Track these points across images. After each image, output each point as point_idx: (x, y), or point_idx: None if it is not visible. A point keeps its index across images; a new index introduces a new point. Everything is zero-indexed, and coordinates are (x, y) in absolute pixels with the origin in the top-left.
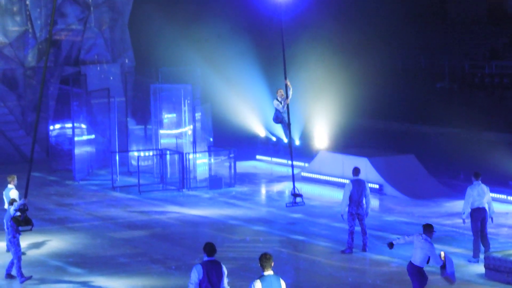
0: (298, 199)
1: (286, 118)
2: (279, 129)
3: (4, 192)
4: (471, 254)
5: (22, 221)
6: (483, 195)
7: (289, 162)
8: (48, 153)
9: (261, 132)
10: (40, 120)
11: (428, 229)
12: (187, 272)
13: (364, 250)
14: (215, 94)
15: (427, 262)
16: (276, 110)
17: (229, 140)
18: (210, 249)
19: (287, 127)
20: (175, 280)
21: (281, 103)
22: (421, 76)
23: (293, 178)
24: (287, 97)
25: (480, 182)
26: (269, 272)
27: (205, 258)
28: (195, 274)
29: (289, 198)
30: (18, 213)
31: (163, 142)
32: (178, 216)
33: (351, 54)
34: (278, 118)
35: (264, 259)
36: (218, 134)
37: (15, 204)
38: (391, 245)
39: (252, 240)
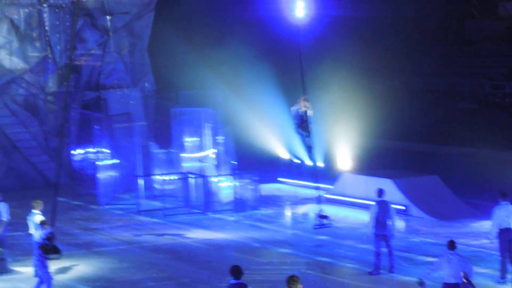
0: (325, 221)
1: (306, 139)
2: (302, 151)
3: (29, 218)
4: (499, 274)
5: (50, 250)
6: (510, 216)
7: (313, 184)
8: (72, 178)
9: (284, 155)
10: (63, 145)
11: (452, 245)
12: None
13: (390, 271)
14: (237, 117)
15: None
16: (294, 115)
17: (252, 163)
18: (236, 271)
19: (305, 142)
20: None
21: (298, 110)
22: (442, 97)
23: (319, 200)
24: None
25: (508, 202)
26: None
27: (232, 281)
28: None
29: (316, 220)
30: (46, 242)
31: (186, 165)
32: (204, 239)
33: (372, 76)
34: (299, 125)
35: (291, 281)
36: (241, 157)
37: (43, 232)
38: (422, 283)
39: (279, 263)
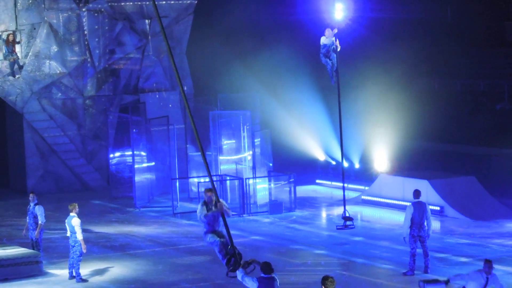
0: (348, 222)
1: (334, 59)
2: (337, 153)
3: (66, 220)
4: None
5: None
6: None
7: (349, 185)
8: (109, 181)
9: (321, 156)
10: (100, 148)
11: (488, 264)
12: None
13: (426, 272)
14: (274, 119)
15: None
16: (322, 45)
17: (288, 165)
18: (266, 268)
19: (332, 68)
20: None
21: (327, 38)
22: (480, 98)
23: (344, 201)
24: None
25: None
26: None
27: (262, 275)
28: (252, 282)
29: (340, 221)
30: None
31: (223, 168)
32: (239, 241)
33: (409, 77)
34: (325, 54)
35: (327, 282)
36: (278, 159)
37: None
38: (447, 282)
39: (314, 264)
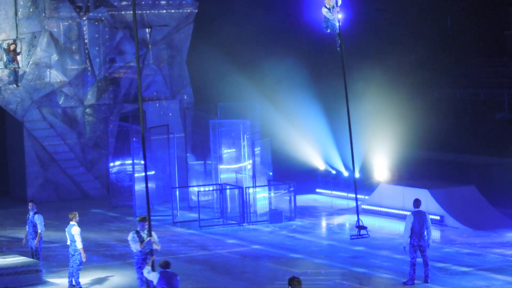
0: (362, 231)
1: (337, 27)
2: (337, 162)
3: (66, 229)
4: None
5: None
6: None
7: (349, 194)
8: (109, 190)
9: (321, 165)
10: (100, 157)
11: None
12: None
13: (426, 281)
14: (274, 128)
15: None
16: (325, 18)
17: (288, 174)
18: (164, 264)
19: (337, 36)
20: None
21: (330, 10)
22: (480, 107)
23: (357, 209)
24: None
25: None
26: None
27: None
28: (155, 275)
29: (353, 230)
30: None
31: (223, 177)
32: (239, 250)
33: (409, 86)
34: (327, 26)
35: (294, 281)
36: (278, 168)
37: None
38: None
39: (314, 273)
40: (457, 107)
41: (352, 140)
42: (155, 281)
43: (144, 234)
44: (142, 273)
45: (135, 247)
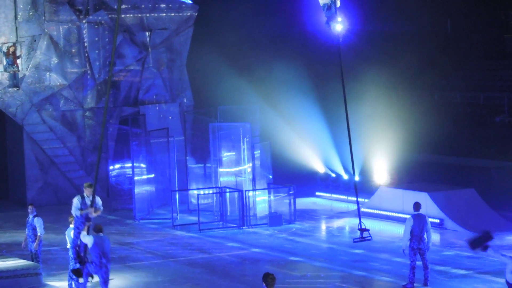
0: (365, 234)
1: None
2: (337, 165)
3: (66, 232)
4: None
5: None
6: None
7: (349, 198)
8: (108, 193)
9: (320, 169)
10: (100, 160)
11: None
12: None
13: (425, 284)
14: (274, 131)
15: None
16: (323, 5)
17: (288, 177)
18: (96, 228)
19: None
20: None
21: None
22: (480, 110)
23: (359, 212)
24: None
25: None
26: None
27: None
28: (89, 238)
29: (354, 233)
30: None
31: (223, 180)
32: (239, 254)
33: (409, 89)
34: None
35: (268, 278)
36: (277, 171)
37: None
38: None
39: (313, 276)
40: (457, 110)
41: (352, 143)
42: (90, 244)
43: (88, 201)
44: (78, 237)
45: (75, 212)
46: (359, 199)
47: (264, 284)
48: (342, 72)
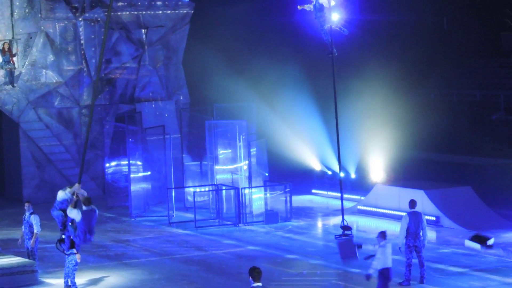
0: (347, 232)
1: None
2: (334, 163)
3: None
4: None
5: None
6: None
7: (345, 195)
8: (104, 191)
9: (317, 166)
10: (96, 157)
11: None
12: None
13: (421, 282)
14: (270, 129)
15: None
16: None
17: (284, 175)
18: (86, 201)
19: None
20: None
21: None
22: (476, 108)
23: (342, 210)
24: None
25: None
26: (258, 284)
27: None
28: (76, 212)
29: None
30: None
31: (219, 177)
32: (235, 251)
33: (406, 87)
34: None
35: (254, 272)
36: (274, 169)
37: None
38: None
39: (309, 274)
40: (454, 108)
41: (348, 141)
42: (77, 218)
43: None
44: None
45: (61, 196)
46: (355, 197)
47: (250, 278)
48: (334, 80)
